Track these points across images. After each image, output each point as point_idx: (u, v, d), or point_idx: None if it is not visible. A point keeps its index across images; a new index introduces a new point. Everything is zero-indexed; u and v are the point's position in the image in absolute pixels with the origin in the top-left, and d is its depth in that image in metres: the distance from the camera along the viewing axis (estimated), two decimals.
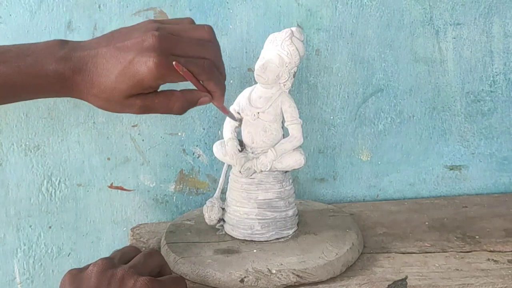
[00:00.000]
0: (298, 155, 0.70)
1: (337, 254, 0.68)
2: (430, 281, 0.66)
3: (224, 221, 0.74)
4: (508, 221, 0.81)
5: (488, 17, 0.87)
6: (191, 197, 0.88)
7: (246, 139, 0.72)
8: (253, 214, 0.71)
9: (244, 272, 0.65)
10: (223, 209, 0.74)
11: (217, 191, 0.74)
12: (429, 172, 0.92)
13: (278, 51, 0.69)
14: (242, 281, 0.64)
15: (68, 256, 0.86)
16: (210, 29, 0.63)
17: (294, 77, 0.70)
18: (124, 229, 0.87)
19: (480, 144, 0.91)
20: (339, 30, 0.85)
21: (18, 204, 0.84)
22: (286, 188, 0.72)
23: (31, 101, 0.76)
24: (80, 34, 0.80)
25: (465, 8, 0.86)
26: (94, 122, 0.83)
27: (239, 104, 0.72)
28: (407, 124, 0.89)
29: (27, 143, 0.82)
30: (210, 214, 0.73)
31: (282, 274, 0.65)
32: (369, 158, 0.90)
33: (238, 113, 0.71)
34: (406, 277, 0.67)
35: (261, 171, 0.70)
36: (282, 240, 0.72)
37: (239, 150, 0.71)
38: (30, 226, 0.85)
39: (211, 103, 0.64)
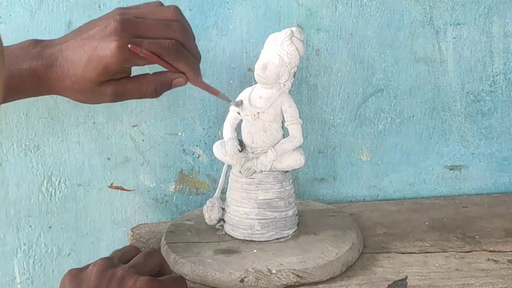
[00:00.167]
0: (298, 155, 0.70)
1: (337, 254, 0.68)
2: (430, 281, 0.66)
3: (224, 221, 0.74)
4: (508, 221, 0.81)
5: (488, 17, 0.87)
6: (191, 197, 0.88)
7: (246, 139, 0.72)
8: (253, 214, 0.71)
9: (244, 272, 0.65)
10: (223, 209, 0.74)
11: (217, 191, 0.74)
12: (429, 172, 0.91)
13: (278, 51, 0.69)
14: (242, 281, 0.64)
15: (68, 256, 0.86)
16: (176, 9, 0.63)
17: (294, 77, 0.70)
18: (124, 229, 0.87)
19: (480, 144, 0.91)
20: (339, 30, 0.85)
21: (18, 204, 0.84)
22: (286, 188, 0.72)
23: (31, 101, 0.77)
24: None
25: (465, 8, 0.86)
26: (94, 122, 0.83)
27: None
28: (407, 124, 0.89)
29: (27, 143, 0.82)
30: (210, 214, 0.73)
31: (282, 274, 0.65)
32: (369, 158, 0.90)
33: (238, 113, 0.71)
34: (406, 277, 0.67)
35: (261, 171, 0.70)
36: (282, 240, 0.72)
37: (239, 150, 0.71)
38: (30, 226, 0.85)
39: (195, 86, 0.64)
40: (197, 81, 0.64)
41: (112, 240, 0.87)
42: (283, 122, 0.71)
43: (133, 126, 0.84)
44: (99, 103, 0.64)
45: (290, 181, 0.73)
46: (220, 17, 0.82)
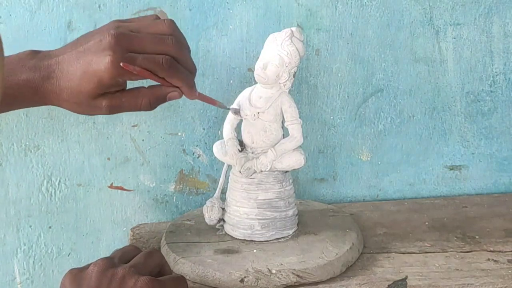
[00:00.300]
0: (298, 155, 0.70)
1: (337, 254, 0.68)
2: (430, 281, 0.66)
3: (224, 221, 0.74)
4: (508, 221, 0.81)
5: (488, 17, 0.87)
6: (191, 197, 0.88)
7: (246, 139, 0.72)
8: (253, 214, 0.71)
9: (244, 272, 0.65)
10: (223, 209, 0.74)
11: (217, 191, 0.74)
12: (429, 172, 0.91)
13: (278, 51, 0.69)
14: (242, 281, 0.64)
15: (68, 256, 0.86)
16: (170, 23, 0.63)
17: (294, 77, 0.70)
18: (124, 229, 0.87)
19: (480, 144, 0.91)
20: (339, 30, 0.85)
21: (18, 204, 0.84)
22: (286, 188, 0.72)
23: None
24: (80, 34, 0.79)
25: (465, 8, 0.86)
26: (94, 122, 0.83)
27: (239, 104, 0.72)
28: (407, 124, 0.89)
29: (27, 143, 0.82)
30: (210, 214, 0.73)
31: (282, 274, 0.65)
32: (369, 158, 0.90)
33: (238, 110, 0.71)
34: (406, 277, 0.67)
35: (261, 171, 0.70)
36: (282, 240, 0.72)
37: (239, 150, 0.71)
38: (30, 226, 0.85)
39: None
40: (192, 95, 0.64)
41: (112, 240, 0.87)
42: (283, 122, 0.71)
43: (133, 126, 0.84)
44: (95, 115, 0.65)
45: (290, 181, 0.73)
46: (220, 17, 0.82)
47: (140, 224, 0.83)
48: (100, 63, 0.58)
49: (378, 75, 0.87)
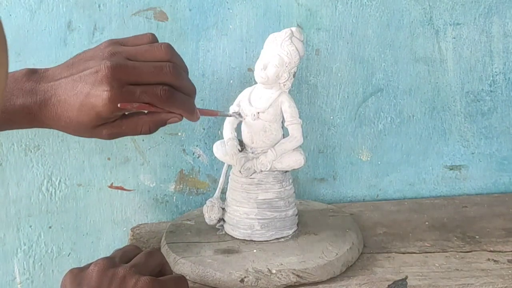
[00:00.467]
0: (298, 155, 0.70)
1: (337, 254, 0.68)
2: (430, 281, 0.66)
3: (224, 221, 0.74)
4: (508, 221, 0.81)
5: (488, 17, 0.87)
6: (191, 197, 0.88)
7: (246, 139, 0.72)
8: (253, 214, 0.71)
9: (244, 272, 0.65)
10: (223, 209, 0.74)
11: (217, 191, 0.74)
12: (429, 172, 0.92)
13: (278, 51, 0.69)
14: (242, 281, 0.64)
15: (68, 256, 0.86)
16: (167, 47, 0.61)
17: (294, 77, 0.70)
18: (124, 229, 0.87)
19: (480, 144, 0.91)
20: (339, 30, 0.85)
21: (18, 204, 0.84)
22: (286, 188, 0.72)
23: None
24: (80, 34, 0.80)
25: (465, 8, 0.86)
26: None
27: (239, 104, 0.72)
28: (407, 124, 0.89)
29: (27, 143, 0.82)
30: (210, 214, 0.73)
31: (282, 274, 0.65)
32: (369, 158, 0.90)
33: (239, 113, 0.71)
34: (406, 277, 0.67)
35: (261, 171, 0.70)
36: (282, 240, 0.72)
37: (239, 150, 0.71)
38: (30, 226, 0.85)
39: None
40: (193, 118, 0.63)
41: (112, 240, 0.87)
42: (283, 122, 0.71)
43: None
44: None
45: (290, 181, 0.73)
46: (220, 17, 0.82)
47: (140, 224, 0.83)
48: (98, 97, 0.57)
49: (378, 75, 0.87)
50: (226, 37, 0.83)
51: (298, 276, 0.65)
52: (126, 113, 0.62)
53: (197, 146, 0.86)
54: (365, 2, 0.84)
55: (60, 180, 0.84)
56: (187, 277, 0.66)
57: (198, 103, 0.84)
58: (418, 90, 0.88)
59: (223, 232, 0.74)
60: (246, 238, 0.72)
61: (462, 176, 0.92)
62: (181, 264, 0.68)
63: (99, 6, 0.79)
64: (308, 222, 0.76)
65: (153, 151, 0.85)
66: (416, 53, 0.87)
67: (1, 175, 0.82)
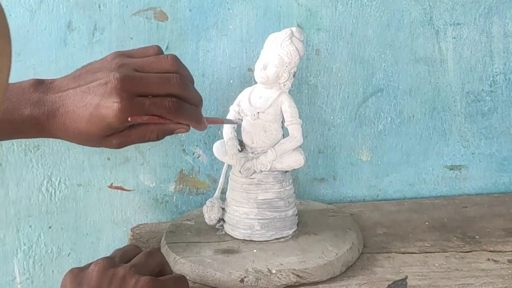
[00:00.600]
0: (298, 155, 0.70)
1: (337, 254, 0.68)
2: (430, 281, 0.66)
3: (224, 221, 0.74)
4: (508, 221, 0.81)
5: (488, 17, 0.87)
6: (191, 197, 0.88)
7: (246, 139, 0.72)
8: (253, 214, 0.71)
9: (244, 272, 0.65)
10: (223, 209, 0.74)
11: (217, 191, 0.74)
12: (429, 172, 0.92)
13: (278, 51, 0.69)
14: (242, 281, 0.64)
15: (68, 256, 0.86)
16: (173, 59, 0.62)
17: (294, 77, 0.70)
18: (124, 229, 0.87)
19: (480, 144, 0.91)
20: (339, 30, 0.85)
21: (18, 204, 0.84)
22: (286, 188, 0.72)
23: None
24: (80, 34, 0.80)
25: (465, 8, 0.86)
26: None
27: (239, 104, 0.72)
28: (407, 124, 0.89)
29: (27, 143, 0.82)
30: (210, 214, 0.73)
31: (282, 274, 0.65)
32: (369, 158, 0.90)
33: (239, 113, 0.71)
34: (406, 277, 0.67)
35: (261, 171, 0.70)
36: (282, 240, 0.72)
37: (239, 150, 0.71)
38: (30, 226, 0.85)
39: None
40: (201, 127, 0.64)
41: (112, 240, 0.87)
42: (283, 122, 0.71)
43: None
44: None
45: (290, 181, 0.73)
46: (220, 17, 0.82)
47: (140, 224, 0.83)
48: (108, 109, 0.58)
49: (378, 75, 0.87)
50: (226, 37, 0.83)
51: (298, 276, 0.65)
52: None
53: (197, 146, 0.86)
54: (365, 2, 0.84)
55: (60, 180, 0.84)
56: (187, 277, 0.66)
57: None
58: (418, 90, 0.88)
59: (223, 232, 0.74)
60: (246, 238, 0.72)
61: (462, 176, 0.92)
62: (181, 264, 0.68)
63: (99, 6, 0.80)
64: (308, 222, 0.76)
65: (153, 151, 0.85)
66: (416, 53, 0.87)
67: (1, 175, 0.82)
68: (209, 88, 0.84)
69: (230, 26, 0.83)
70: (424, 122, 0.90)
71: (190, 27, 0.82)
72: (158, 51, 0.64)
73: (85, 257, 0.86)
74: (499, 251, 0.73)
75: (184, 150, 0.86)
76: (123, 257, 0.58)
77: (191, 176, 0.87)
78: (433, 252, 0.72)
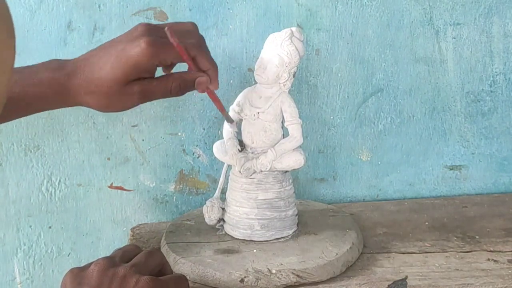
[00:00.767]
0: (298, 155, 0.70)
1: (337, 254, 0.68)
2: (430, 281, 0.66)
3: (224, 221, 0.74)
4: (508, 221, 0.81)
5: (488, 17, 0.87)
6: (191, 197, 0.88)
7: (246, 139, 0.72)
8: (253, 214, 0.71)
9: (244, 272, 0.65)
10: (223, 209, 0.74)
11: (217, 191, 0.74)
12: (429, 172, 0.92)
13: (278, 51, 0.69)
14: (242, 281, 0.64)
15: (68, 256, 0.86)
16: (194, 24, 0.66)
17: (294, 77, 0.70)
18: (124, 229, 0.87)
19: (480, 144, 0.91)
20: (339, 30, 0.85)
21: (18, 204, 0.84)
22: (286, 188, 0.72)
23: None
24: (80, 34, 0.80)
25: (465, 8, 0.86)
26: (94, 122, 0.83)
27: (239, 104, 0.72)
28: (407, 124, 0.89)
29: (27, 143, 0.82)
30: (210, 214, 0.73)
31: (282, 274, 0.65)
32: (369, 158, 0.90)
33: (239, 113, 0.71)
34: (406, 277, 0.67)
35: (261, 171, 0.70)
36: (282, 240, 0.72)
37: (239, 150, 0.71)
38: (30, 226, 0.85)
39: (210, 104, 0.65)
40: (216, 83, 0.65)
41: (112, 240, 0.87)
42: (283, 122, 0.71)
43: (133, 126, 0.84)
44: (122, 109, 0.64)
45: (290, 181, 0.73)
46: (220, 17, 0.82)
47: (140, 224, 0.83)
48: (136, 47, 0.60)
49: (378, 75, 0.87)
50: (226, 37, 0.83)
51: (298, 276, 0.65)
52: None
53: (197, 146, 0.86)
54: (365, 2, 0.84)
55: (60, 180, 0.84)
56: (187, 277, 0.66)
57: (198, 103, 0.84)
58: (418, 90, 0.88)
59: (223, 232, 0.74)
60: (246, 238, 0.72)
61: (462, 176, 0.92)
62: (181, 264, 0.68)
63: (99, 6, 0.80)
64: (308, 222, 0.76)
65: (153, 151, 0.85)
66: (416, 53, 0.87)
67: (1, 175, 0.82)
68: None
69: (230, 26, 0.83)
70: (424, 122, 0.90)
71: None
72: (193, 27, 0.67)
73: (85, 257, 0.86)
74: (499, 251, 0.73)
75: (184, 150, 0.86)
76: (123, 257, 0.58)
77: (191, 176, 0.87)
78: (433, 252, 0.72)
